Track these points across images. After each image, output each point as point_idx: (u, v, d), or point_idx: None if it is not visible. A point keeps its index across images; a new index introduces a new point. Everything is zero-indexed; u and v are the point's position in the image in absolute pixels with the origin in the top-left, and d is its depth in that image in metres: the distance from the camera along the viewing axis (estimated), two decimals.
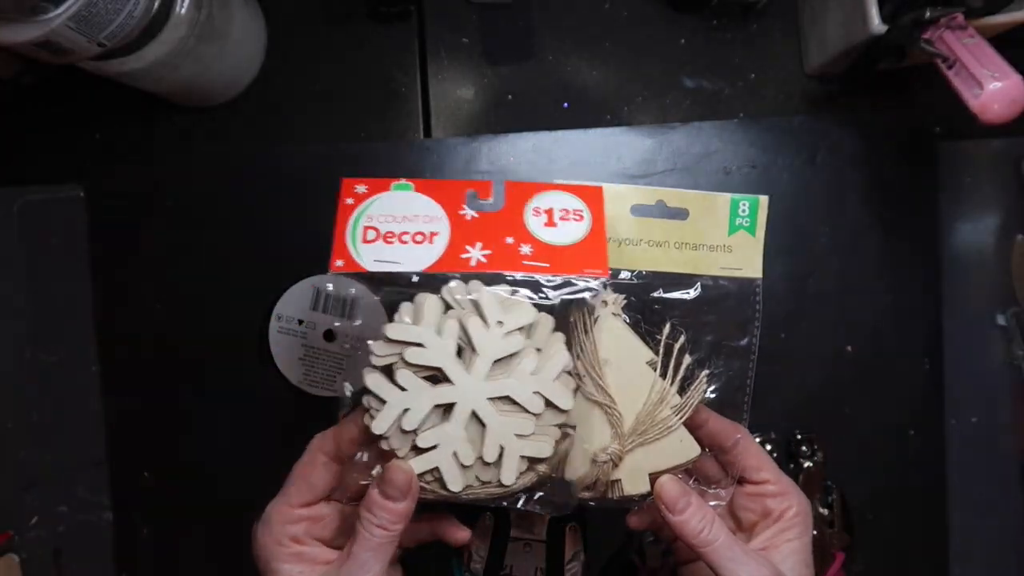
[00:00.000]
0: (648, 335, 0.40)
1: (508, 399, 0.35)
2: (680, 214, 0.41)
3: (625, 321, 0.40)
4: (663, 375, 0.39)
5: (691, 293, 0.40)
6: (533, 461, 0.36)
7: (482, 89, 0.58)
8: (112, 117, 0.59)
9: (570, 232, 0.38)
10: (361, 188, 0.39)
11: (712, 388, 0.39)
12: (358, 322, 0.54)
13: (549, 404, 0.36)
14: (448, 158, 0.56)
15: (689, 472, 0.40)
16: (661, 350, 0.39)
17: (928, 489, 0.55)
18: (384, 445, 0.35)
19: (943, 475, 0.55)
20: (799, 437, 0.54)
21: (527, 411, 0.35)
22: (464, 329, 0.35)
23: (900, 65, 0.50)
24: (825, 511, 0.53)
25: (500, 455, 0.35)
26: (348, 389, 0.38)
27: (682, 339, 0.39)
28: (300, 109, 0.59)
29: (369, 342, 0.36)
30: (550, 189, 0.39)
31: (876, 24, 0.46)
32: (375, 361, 0.35)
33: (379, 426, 0.35)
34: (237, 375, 0.56)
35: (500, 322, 0.35)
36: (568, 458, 0.38)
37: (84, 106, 0.58)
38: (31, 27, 0.41)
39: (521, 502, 0.37)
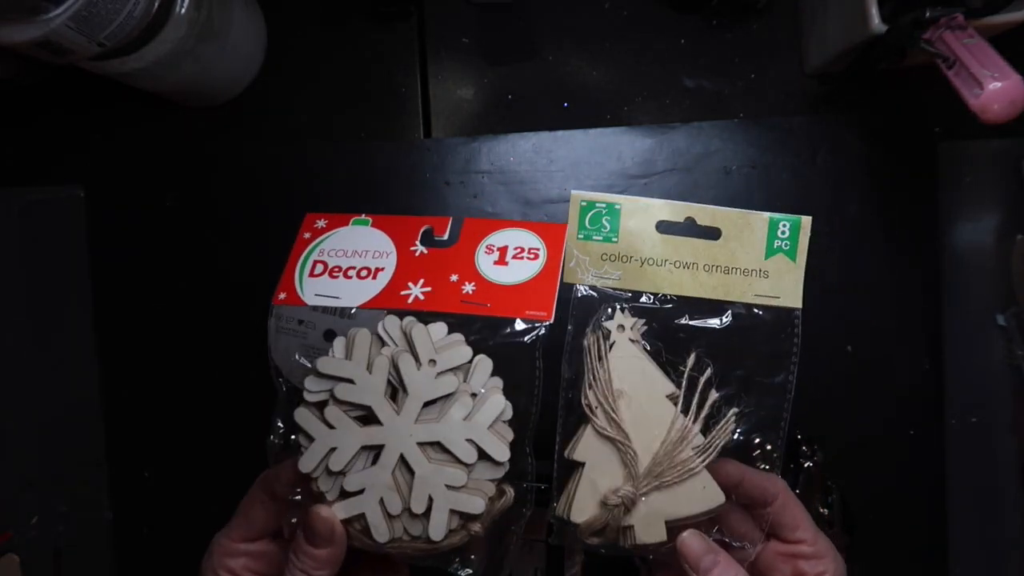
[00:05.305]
0: (670, 366, 0.36)
1: (440, 446, 0.33)
2: (712, 233, 0.37)
3: (644, 349, 0.36)
4: (685, 411, 0.35)
5: (721, 322, 0.37)
6: (465, 518, 0.33)
7: (482, 89, 0.58)
8: (112, 117, 0.59)
9: (520, 271, 0.36)
10: (321, 223, 0.39)
11: (741, 429, 0.36)
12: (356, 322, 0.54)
13: (484, 455, 0.33)
14: (448, 158, 0.56)
15: (712, 521, 0.36)
16: (684, 383, 0.36)
17: (928, 489, 0.55)
18: (312, 486, 0.34)
19: (943, 475, 0.55)
20: (799, 437, 0.54)
21: (459, 461, 0.33)
22: (395, 367, 0.34)
23: (900, 65, 0.50)
24: (825, 511, 0.53)
25: (429, 507, 0.33)
26: (279, 426, 0.36)
27: (708, 372, 0.36)
28: (300, 109, 0.59)
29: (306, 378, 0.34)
30: (509, 227, 0.37)
31: (876, 24, 0.46)
32: (308, 397, 0.34)
33: (305, 464, 0.33)
34: (237, 375, 0.56)
35: (433, 361, 0.33)
36: (575, 497, 0.35)
37: (84, 106, 0.58)
38: (31, 27, 0.41)
39: (454, 566, 0.35)
